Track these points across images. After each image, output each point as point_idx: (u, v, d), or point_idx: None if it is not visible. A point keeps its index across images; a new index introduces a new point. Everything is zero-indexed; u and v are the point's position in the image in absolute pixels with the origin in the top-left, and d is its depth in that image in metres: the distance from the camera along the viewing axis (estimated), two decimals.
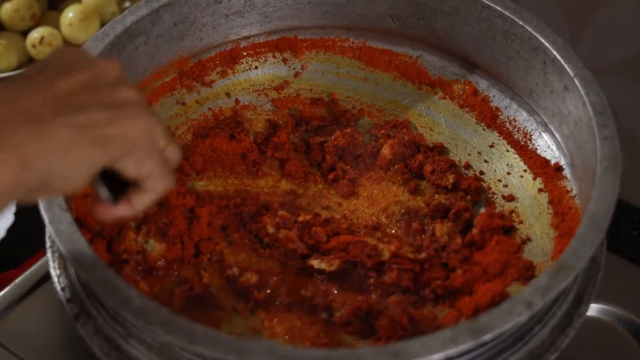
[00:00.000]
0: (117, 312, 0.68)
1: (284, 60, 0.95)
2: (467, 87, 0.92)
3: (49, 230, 0.72)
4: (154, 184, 0.64)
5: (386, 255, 0.81)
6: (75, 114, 0.59)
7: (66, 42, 1.10)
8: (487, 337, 0.64)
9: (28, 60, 1.10)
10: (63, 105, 0.59)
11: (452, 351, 0.63)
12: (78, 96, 0.60)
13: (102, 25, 1.08)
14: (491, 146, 0.89)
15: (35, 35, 1.09)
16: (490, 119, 0.90)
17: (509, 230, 0.83)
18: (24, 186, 0.56)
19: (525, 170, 0.86)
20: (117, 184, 0.63)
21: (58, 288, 0.75)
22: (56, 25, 1.10)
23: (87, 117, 0.59)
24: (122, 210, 0.64)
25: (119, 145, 0.60)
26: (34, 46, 1.08)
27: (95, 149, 0.59)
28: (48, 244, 0.78)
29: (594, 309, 0.84)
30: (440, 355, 0.63)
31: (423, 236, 0.82)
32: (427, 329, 0.75)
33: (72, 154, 0.58)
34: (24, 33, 1.10)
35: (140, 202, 0.65)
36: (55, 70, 0.61)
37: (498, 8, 0.86)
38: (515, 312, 0.65)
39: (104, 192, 0.63)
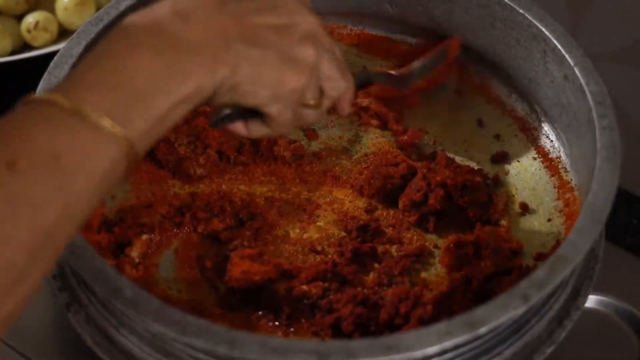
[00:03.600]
0: (108, 301, 0.67)
1: None
2: (466, 75, 0.91)
3: None
4: (278, 127, 0.69)
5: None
6: (272, 36, 0.64)
7: (61, 27, 1.09)
8: (482, 330, 0.63)
9: (23, 45, 1.08)
10: (255, 28, 0.64)
11: (448, 344, 0.62)
12: (272, 28, 0.65)
13: (99, 9, 1.07)
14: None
15: (30, 19, 1.07)
16: None
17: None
18: (214, 86, 0.61)
19: (518, 161, 0.86)
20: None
21: (49, 276, 0.74)
22: (51, 9, 1.09)
23: (282, 40, 0.65)
24: (237, 128, 0.70)
25: (300, 79, 0.66)
26: (28, 31, 1.07)
27: (286, 72, 0.65)
28: None
29: (591, 301, 0.83)
30: (436, 348, 0.62)
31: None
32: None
33: (262, 71, 0.64)
34: (19, 17, 1.09)
35: (256, 130, 0.70)
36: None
37: None
38: (511, 305, 0.64)
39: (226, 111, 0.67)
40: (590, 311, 0.83)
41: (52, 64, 0.78)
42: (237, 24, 0.62)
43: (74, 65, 0.78)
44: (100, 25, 0.81)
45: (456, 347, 0.65)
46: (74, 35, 0.81)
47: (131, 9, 0.84)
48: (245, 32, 0.63)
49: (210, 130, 0.84)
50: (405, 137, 0.88)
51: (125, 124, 0.56)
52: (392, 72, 0.86)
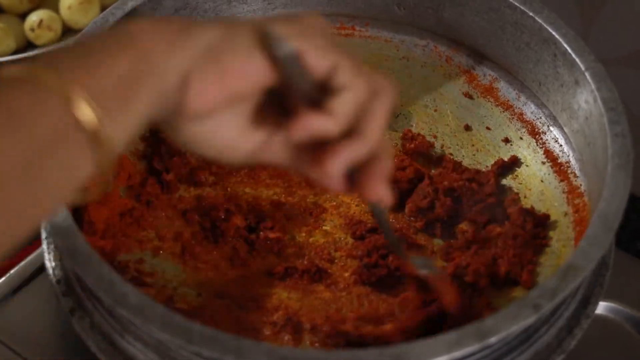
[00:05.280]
0: (113, 308, 0.66)
1: None
2: (473, 78, 0.90)
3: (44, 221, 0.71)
4: (348, 79, 0.54)
5: None
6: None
7: (65, 26, 1.08)
8: (492, 339, 0.62)
9: (26, 44, 1.08)
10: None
11: (457, 354, 0.61)
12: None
13: (103, 9, 1.07)
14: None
15: (33, 18, 1.07)
16: None
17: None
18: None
19: (527, 166, 0.85)
20: None
21: (53, 281, 0.73)
22: (55, 8, 1.08)
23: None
24: (320, 121, 0.54)
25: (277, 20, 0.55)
26: (32, 29, 1.06)
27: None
28: (44, 234, 0.76)
29: (601, 307, 0.83)
30: (445, 357, 0.61)
31: None
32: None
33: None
34: (23, 16, 1.09)
35: (341, 106, 0.54)
36: None
37: None
38: (522, 314, 0.63)
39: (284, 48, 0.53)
40: (599, 318, 0.82)
41: None
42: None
43: None
44: (106, 26, 0.80)
45: (465, 356, 0.64)
46: (79, 35, 0.80)
47: (137, 9, 0.83)
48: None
49: None
50: (413, 145, 0.87)
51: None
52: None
